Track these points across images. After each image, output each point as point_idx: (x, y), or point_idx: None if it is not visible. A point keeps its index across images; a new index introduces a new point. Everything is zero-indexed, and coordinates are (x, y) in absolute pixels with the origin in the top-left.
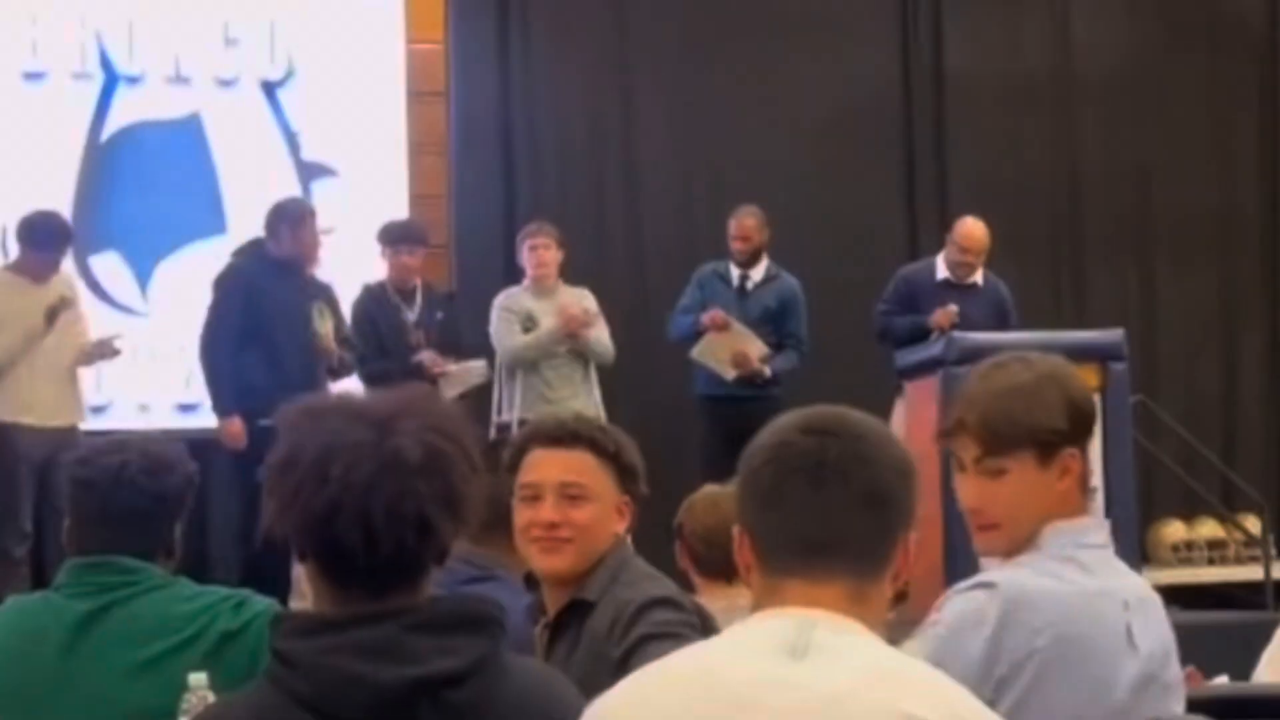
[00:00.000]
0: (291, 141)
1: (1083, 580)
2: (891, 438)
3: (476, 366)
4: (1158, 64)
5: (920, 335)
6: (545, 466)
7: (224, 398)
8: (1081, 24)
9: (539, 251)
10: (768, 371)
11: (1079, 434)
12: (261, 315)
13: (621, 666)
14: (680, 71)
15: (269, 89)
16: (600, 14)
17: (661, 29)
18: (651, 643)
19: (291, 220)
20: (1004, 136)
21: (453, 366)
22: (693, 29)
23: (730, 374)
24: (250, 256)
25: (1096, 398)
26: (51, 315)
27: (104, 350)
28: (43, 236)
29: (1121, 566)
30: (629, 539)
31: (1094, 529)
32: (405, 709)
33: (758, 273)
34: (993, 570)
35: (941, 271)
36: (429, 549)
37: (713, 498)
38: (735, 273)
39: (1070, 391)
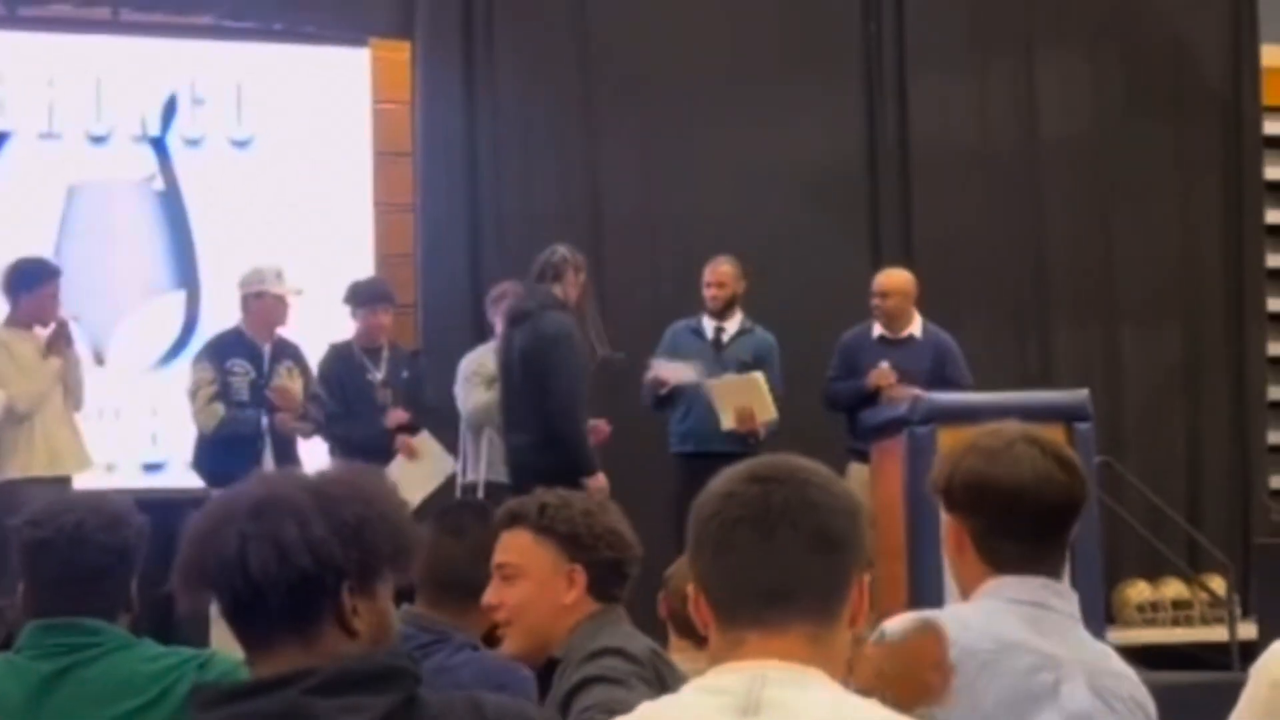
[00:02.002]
0: (257, 200)
1: (989, 628)
2: (837, 480)
3: (440, 455)
4: (1122, 129)
5: (866, 398)
6: (496, 549)
7: (592, 456)
8: (1046, 90)
9: None
10: (762, 434)
11: (958, 505)
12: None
13: (564, 707)
14: (647, 133)
15: (236, 149)
16: (567, 75)
17: (629, 91)
18: (596, 685)
19: (576, 266)
20: (969, 201)
21: (421, 443)
22: (660, 91)
23: (729, 424)
24: (561, 309)
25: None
26: (55, 342)
27: (60, 335)
28: (19, 279)
29: (1069, 631)
30: (617, 607)
31: (1026, 586)
32: None
33: (732, 325)
34: (893, 619)
35: (877, 329)
36: (264, 594)
37: None
38: (709, 325)
39: (961, 464)
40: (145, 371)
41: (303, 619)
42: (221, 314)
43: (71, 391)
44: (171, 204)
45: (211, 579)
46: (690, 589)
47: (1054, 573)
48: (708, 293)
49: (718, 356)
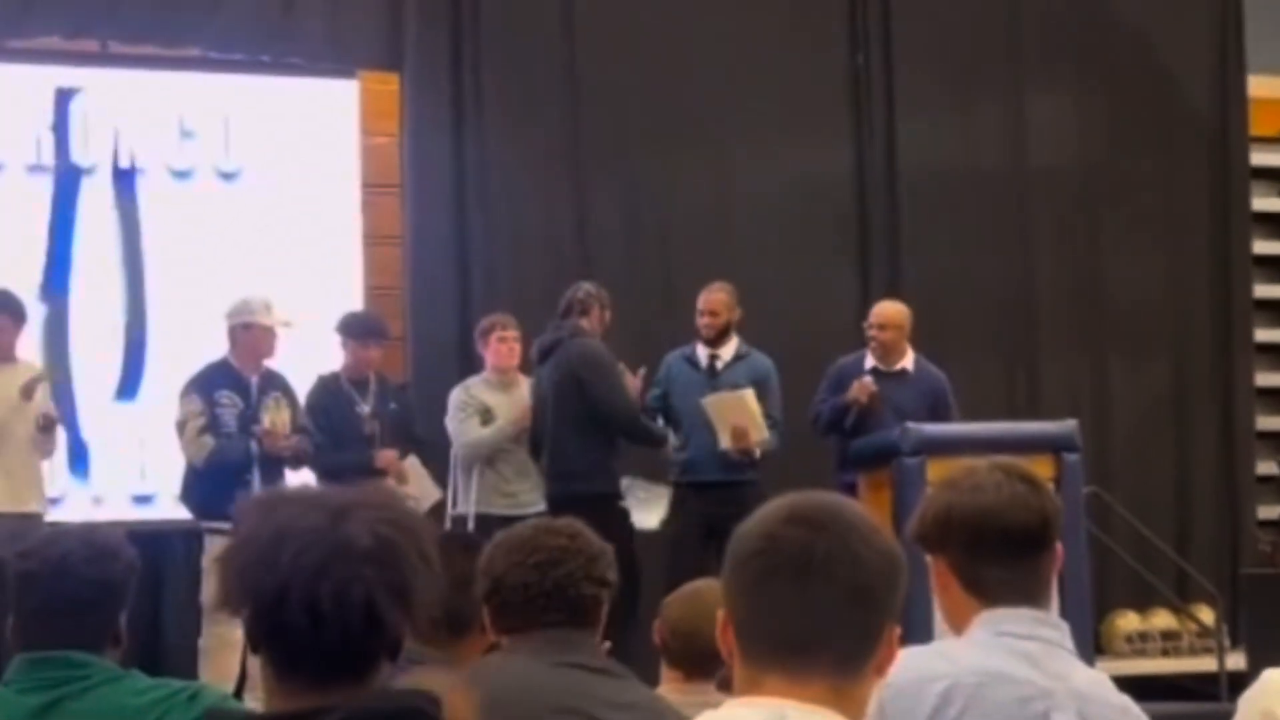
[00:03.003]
0: (244, 232)
1: (976, 660)
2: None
3: (427, 485)
4: (1109, 160)
5: (841, 417)
6: None
7: (661, 434)
8: (1034, 121)
9: (510, 344)
10: (757, 453)
11: (934, 543)
12: None
13: None
14: (635, 165)
15: (224, 181)
16: (555, 109)
17: (617, 123)
18: None
19: (602, 303)
20: (957, 232)
21: (409, 467)
22: (647, 123)
23: (725, 442)
24: (588, 338)
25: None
26: (28, 390)
27: (48, 423)
28: None
29: (1061, 662)
30: (530, 633)
31: (1014, 619)
32: None
33: (727, 351)
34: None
35: (870, 360)
36: (376, 638)
37: (695, 591)
38: (703, 354)
39: (937, 503)
40: (107, 403)
41: (335, 674)
42: (212, 346)
43: (40, 449)
44: (129, 234)
45: (256, 608)
46: (720, 615)
47: (1039, 601)
48: (700, 321)
49: (713, 384)
